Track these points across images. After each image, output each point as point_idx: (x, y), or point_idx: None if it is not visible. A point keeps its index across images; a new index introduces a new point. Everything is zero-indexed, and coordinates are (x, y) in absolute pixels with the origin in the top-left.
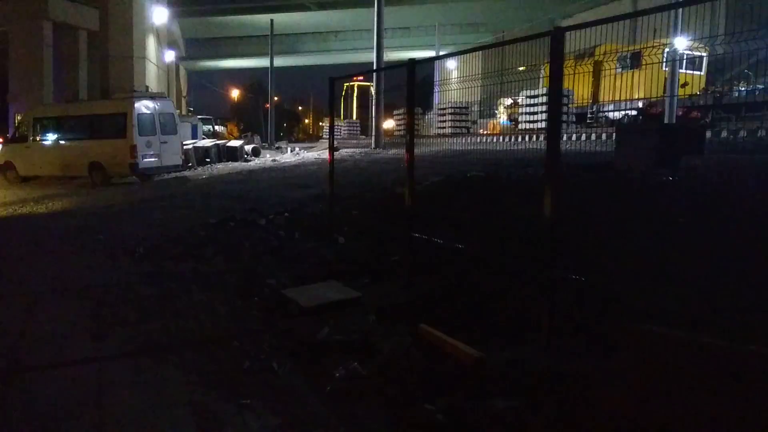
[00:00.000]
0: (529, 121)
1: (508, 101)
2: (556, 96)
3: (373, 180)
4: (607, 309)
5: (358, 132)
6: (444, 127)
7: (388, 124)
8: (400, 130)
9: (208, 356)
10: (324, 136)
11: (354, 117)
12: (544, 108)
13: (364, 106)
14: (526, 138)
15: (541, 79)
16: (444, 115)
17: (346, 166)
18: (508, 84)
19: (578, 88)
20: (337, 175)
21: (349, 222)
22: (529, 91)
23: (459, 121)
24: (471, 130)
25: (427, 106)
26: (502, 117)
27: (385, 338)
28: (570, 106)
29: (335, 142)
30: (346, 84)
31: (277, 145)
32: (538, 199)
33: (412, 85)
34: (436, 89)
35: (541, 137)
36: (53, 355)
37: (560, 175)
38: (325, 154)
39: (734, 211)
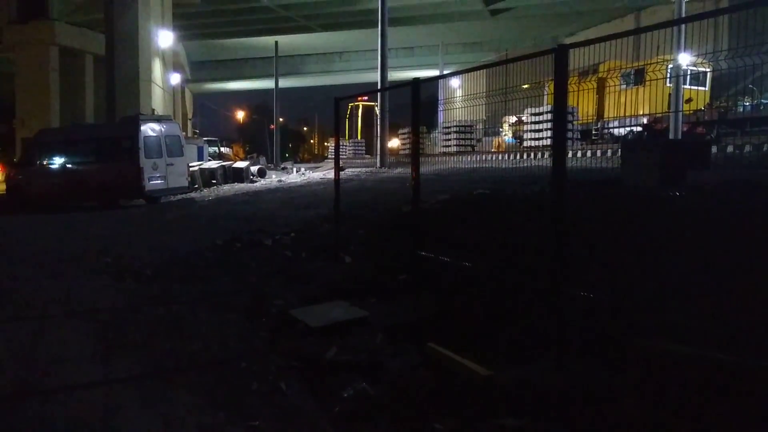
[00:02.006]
0: (534, 139)
1: (513, 119)
2: (560, 113)
3: (379, 199)
4: (617, 326)
5: (364, 151)
6: (449, 146)
7: (394, 143)
8: (405, 149)
9: (216, 378)
10: (329, 156)
11: (359, 137)
12: (549, 125)
13: (369, 125)
14: (532, 155)
15: (545, 97)
16: (449, 133)
17: (352, 186)
18: (513, 102)
19: (583, 105)
20: (343, 194)
21: (356, 241)
22: (533, 108)
23: (464, 139)
24: (476, 148)
25: (432, 124)
26: (507, 135)
27: (393, 358)
28: (575, 123)
29: (341, 162)
30: (350, 104)
31: (282, 166)
32: (545, 215)
33: (416, 104)
34: (440, 108)
35: (546, 154)
36: (62, 378)
37: (566, 191)
38: (331, 174)
39: (744, 224)
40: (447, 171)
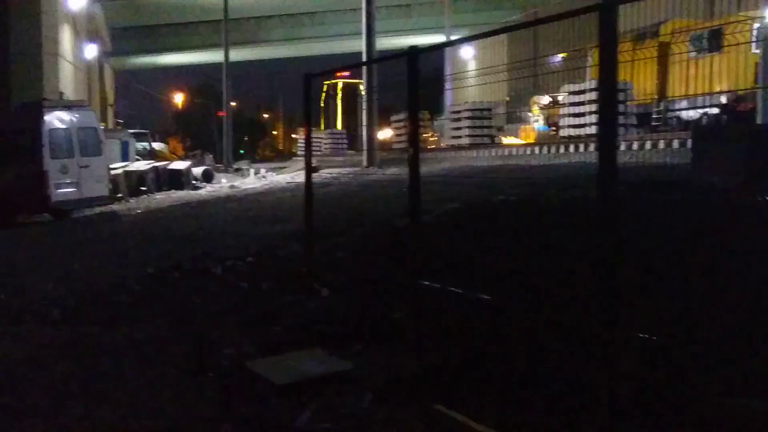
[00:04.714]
0: (574, 126)
1: (545, 99)
2: (609, 91)
3: (366, 210)
4: (686, 378)
5: (346, 146)
6: (460, 136)
7: (386, 133)
8: (400, 142)
9: None
10: (299, 152)
11: (339, 126)
12: (594, 107)
13: (351, 110)
14: (571, 148)
15: (588, 69)
16: (459, 120)
17: (330, 193)
18: (545, 77)
19: (639, 79)
20: (318, 204)
21: (335, 267)
22: (572, 85)
23: (479, 127)
24: (496, 140)
25: (437, 108)
26: (538, 121)
27: (387, 425)
28: (629, 103)
29: (314, 161)
30: (326, 82)
31: (236, 167)
32: (589, 231)
33: (414, 81)
34: (448, 86)
35: (591, 147)
36: None
37: (618, 197)
38: (301, 177)
39: None
40: (457, 171)
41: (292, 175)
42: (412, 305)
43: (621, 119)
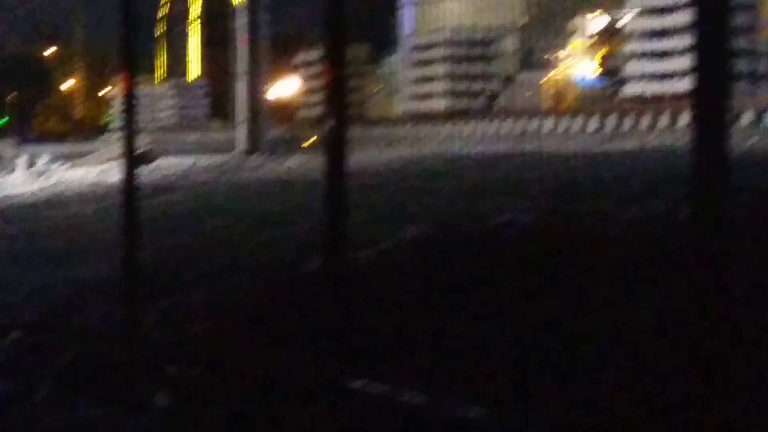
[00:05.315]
0: (652, 76)
1: (595, 25)
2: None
3: (245, 237)
4: None
5: (206, 111)
6: (429, 95)
7: (285, 89)
8: (312, 106)
9: None
10: (115, 124)
11: (193, 73)
12: (688, 42)
13: (217, 43)
14: (644, 121)
15: None
16: (429, 63)
17: (175, 203)
18: None
19: None
20: (155, 226)
21: (184, 350)
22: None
23: (468, 78)
24: (498, 102)
25: (386, 41)
26: (581, 67)
27: None
28: (757, 36)
29: (144, 141)
30: None
31: None
32: (667, 281)
33: None
34: (405, 1)
35: (681, 119)
36: None
37: (726, 215)
38: (115, 174)
39: None
40: (423, 162)
41: (101, 169)
42: (332, 420)
43: (741, 65)
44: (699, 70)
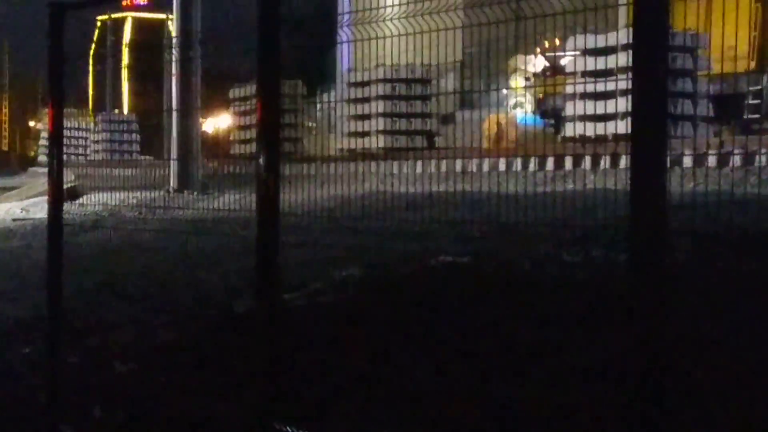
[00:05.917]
0: (592, 118)
1: (535, 64)
2: (652, 49)
3: (173, 276)
4: None
5: (138, 146)
6: (366, 133)
7: (218, 123)
8: (245, 142)
9: None
10: (42, 158)
11: (125, 107)
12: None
13: (150, 77)
14: (584, 163)
15: (619, 11)
16: (367, 100)
17: (101, 241)
18: (535, 22)
19: (721, 30)
20: (80, 263)
21: (110, 394)
22: (589, 36)
23: (406, 116)
24: (438, 141)
25: (325, 76)
26: (522, 106)
27: None
28: (699, 77)
29: (72, 175)
30: (101, 18)
31: None
32: (614, 326)
33: (271, 21)
34: (343, 38)
35: (622, 160)
36: None
37: (669, 264)
38: (40, 211)
39: None
40: (362, 199)
41: (26, 205)
42: None
43: (682, 104)
44: (636, 112)
